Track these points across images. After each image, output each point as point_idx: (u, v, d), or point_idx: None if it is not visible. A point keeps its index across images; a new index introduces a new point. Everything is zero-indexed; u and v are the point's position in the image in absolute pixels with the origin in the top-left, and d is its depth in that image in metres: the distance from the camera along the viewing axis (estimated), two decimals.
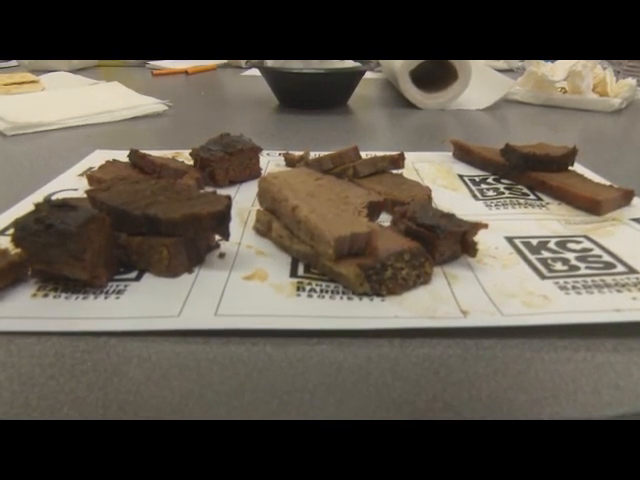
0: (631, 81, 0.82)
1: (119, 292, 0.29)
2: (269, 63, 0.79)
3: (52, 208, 0.29)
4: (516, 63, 1.17)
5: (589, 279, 0.30)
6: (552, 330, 0.26)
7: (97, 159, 0.50)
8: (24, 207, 0.37)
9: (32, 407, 0.22)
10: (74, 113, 0.68)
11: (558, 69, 0.84)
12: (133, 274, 0.31)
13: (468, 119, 0.76)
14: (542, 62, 0.88)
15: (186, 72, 1.13)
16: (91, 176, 0.43)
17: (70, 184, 0.45)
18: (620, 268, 0.31)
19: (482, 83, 0.83)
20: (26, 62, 1.10)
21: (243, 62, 1.21)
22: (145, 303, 0.28)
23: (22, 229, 0.28)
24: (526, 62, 1.03)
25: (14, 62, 1.20)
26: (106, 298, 0.28)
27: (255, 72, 1.04)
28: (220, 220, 0.30)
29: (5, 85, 0.83)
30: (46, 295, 0.29)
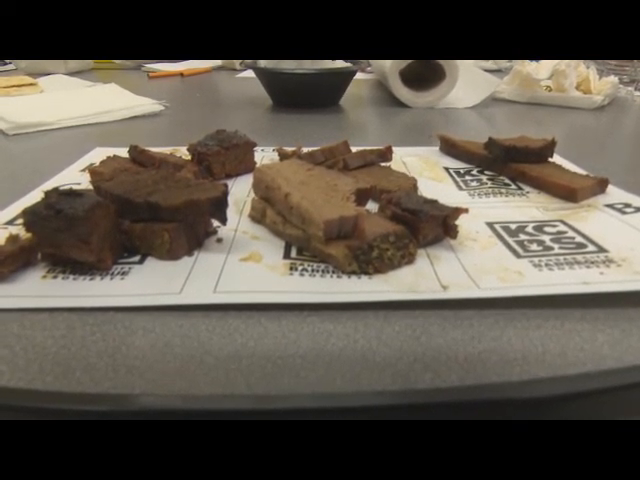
0: (613, 79, 0.85)
1: (124, 274, 0.31)
2: (262, 63, 0.82)
3: (61, 195, 0.31)
4: (504, 63, 1.19)
5: (561, 257, 0.32)
6: (525, 302, 0.29)
7: (98, 156, 0.52)
8: (30, 200, 0.39)
9: (46, 372, 0.23)
10: (74, 113, 0.70)
11: (543, 68, 0.86)
12: (136, 258, 0.33)
13: (456, 117, 0.78)
14: (527, 61, 0.90)
15: (181, 74, 1.15)
16: (93, 170, 0.45)
17: (73, 179, 0.47)
18: (591, 248, 0.34)
19: (469, 82, 0.86)
20: (23, 65, 1.12)
21: (237, 64, 1.23)
22: (148, 282, 0.30)
23: (33, 214, 0.30)
24: (514, 62, 1.06)
25: (11, 66, 1.21)
26: (112, 279, 0.30)
27: (250, 74, 1.06)
28: (217, 205, 0.33)
29: (4, 88, 0.85)
30: (55, 277, 0.31)
